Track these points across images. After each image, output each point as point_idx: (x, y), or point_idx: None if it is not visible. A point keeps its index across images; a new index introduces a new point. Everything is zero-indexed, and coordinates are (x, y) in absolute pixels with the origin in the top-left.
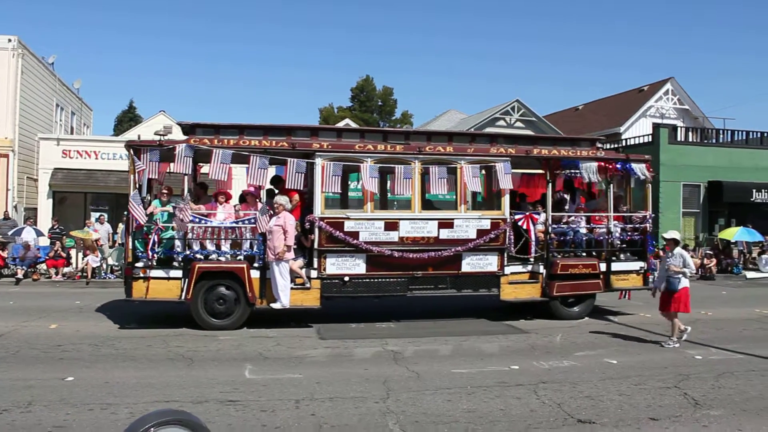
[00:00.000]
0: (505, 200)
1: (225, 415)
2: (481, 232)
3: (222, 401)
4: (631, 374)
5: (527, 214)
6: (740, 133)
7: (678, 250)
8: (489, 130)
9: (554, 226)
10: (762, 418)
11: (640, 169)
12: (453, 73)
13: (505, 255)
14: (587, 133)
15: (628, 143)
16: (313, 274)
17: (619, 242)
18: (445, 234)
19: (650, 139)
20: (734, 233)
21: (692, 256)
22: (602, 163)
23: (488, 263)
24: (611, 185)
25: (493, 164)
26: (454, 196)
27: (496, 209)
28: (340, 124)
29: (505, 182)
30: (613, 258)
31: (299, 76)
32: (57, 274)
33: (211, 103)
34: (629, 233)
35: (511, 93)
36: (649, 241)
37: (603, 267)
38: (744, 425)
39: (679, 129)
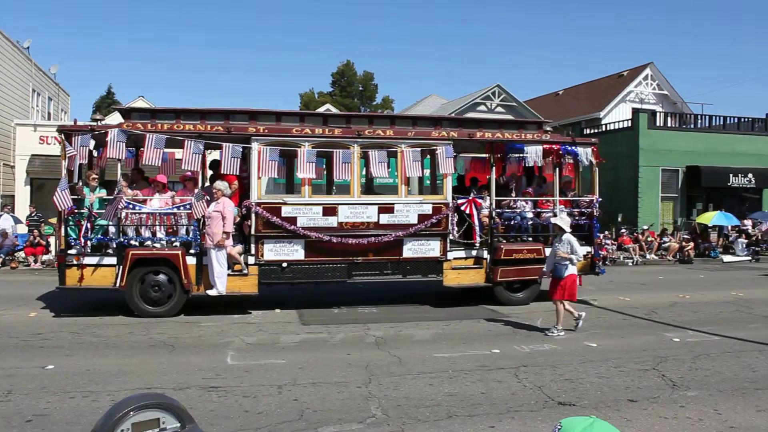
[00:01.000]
0: (448, 184)
1: (207, 401)
2: (422, 217)
3: (204, 387)
4: (610, 357)
5: (470, 198)
6: (717, 118)
7: (567, 236)
8: (469, 114)
9: (499, 210)
10: (737, 398)
11: (586, 153)
12: (434, 58)
13: (448, 240)
14: (568, 118)
15: (608, 128)
16: (251, 260)
17: None
18: (385, 219)
19: (629, 125)
20: (711, 217)
21: (671, 240)
22: (548, 147)
23: (430, 248)
24: (557, 169)
25: (434, 148)
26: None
27: (439, 194)
28: (321, 110)
29: (447, 166)
30: None
31: (281, 62)
32: (36, 261)
33: (191, 90)
34: (576, 218)
35: (493, 78)
36: (595, 225)
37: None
38: (719, 405)
39: (658, 114)
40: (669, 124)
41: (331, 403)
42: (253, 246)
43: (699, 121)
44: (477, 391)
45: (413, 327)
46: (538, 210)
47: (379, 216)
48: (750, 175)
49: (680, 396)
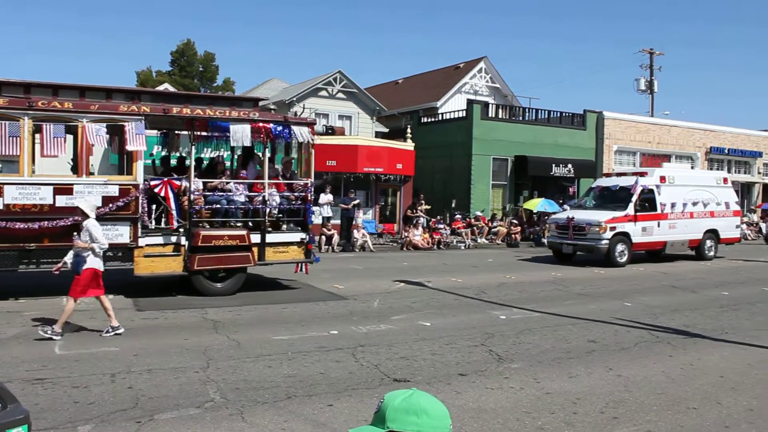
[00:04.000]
0: (138, 164)
1: (32, 394)
2: (107, 200)
3: (28, 380)
4: (443, 335)
5: (165, 180)
6: (543, 112)
7: (88, 222)
8: (310, 100)
9: (199, 193)
10: (553, 368)
11: (302, 132)
12: (277, 41)
13: (139, 225)
14: (406, 106)
15: (444, 117)
16: None
17: (276, 212)
18: (63, 201)
19: (464, 115)
20: (536, 204)
21: (500, 225)
22: (255, 125)
23: (118, 234)
24: (267, 150)
25: (122, 123)
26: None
27: (127, 174)
28: (159, 88)
29: (138, 143)
30: (270, 229)
31: (118, 42)
32: None
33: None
34: (293, 203)
35: (336, 64)
36: (309, 210)
37: (257, 238)
38: (538, 374)
39: (490, 106)
40: (500, 116)
41: (168, 390)
42: None
43: (527, 114)
44: (316, 371)
45: (251, 311)
46: (251, 194)
47: (55, 198)
48: (569, 166)
49: (505, 368)
